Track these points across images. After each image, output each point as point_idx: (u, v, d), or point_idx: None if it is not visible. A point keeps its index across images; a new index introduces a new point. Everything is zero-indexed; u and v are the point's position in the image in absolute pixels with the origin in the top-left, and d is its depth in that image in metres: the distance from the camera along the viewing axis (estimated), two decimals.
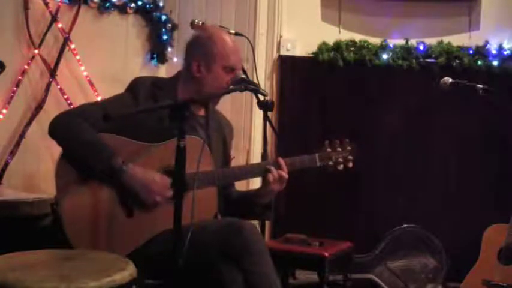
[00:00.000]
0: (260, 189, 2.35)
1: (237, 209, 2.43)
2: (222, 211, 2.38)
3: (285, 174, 2.28)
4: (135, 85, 2.33)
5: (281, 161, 2.30)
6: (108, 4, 3.64)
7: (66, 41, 3.43)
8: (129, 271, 1.81)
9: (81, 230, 2.10)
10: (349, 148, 2.42)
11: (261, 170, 2.30)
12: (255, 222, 3.26)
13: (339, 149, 2.39)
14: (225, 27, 2.83)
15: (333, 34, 4.16)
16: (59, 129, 2.19)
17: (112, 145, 2.15)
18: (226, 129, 2.52)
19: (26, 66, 3.29)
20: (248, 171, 2.35)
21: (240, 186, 2.60)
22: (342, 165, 2.40)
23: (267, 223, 3.70)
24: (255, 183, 3.50)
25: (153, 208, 2.14)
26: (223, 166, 2.43)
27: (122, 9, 3.75)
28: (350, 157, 2.41)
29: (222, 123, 2.51)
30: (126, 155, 2.15)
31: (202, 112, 2.42)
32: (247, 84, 2.26)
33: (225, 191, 2.43)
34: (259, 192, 2.36)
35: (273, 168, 2.27)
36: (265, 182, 2.29)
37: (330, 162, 2.39)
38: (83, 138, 2.14)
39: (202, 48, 2.34)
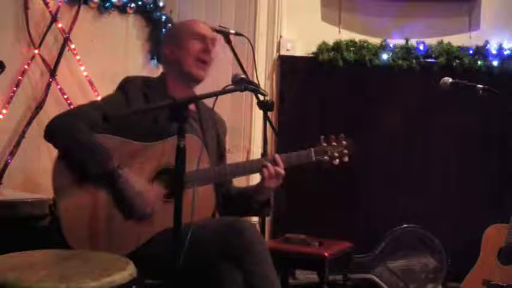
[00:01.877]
0: (258, 186, 2.36)
1: (236, 206, 2.43)
2: (220, 209, 2.38)
3: (281, 170, 2.28)
4: (125, 85, 2.33)
5: (277, 157, 2.30)
6: (108, 4, 3.64)
7: (66, 41, 3.43)
8: (129, 271, 1.81)
9: (80, 231, 2.09)
10: (344, 143, 2.41)
11: (257, 167, 2.29)
12: (255, 222, 3.26)
13: (334, 144, 2.39)
14: (225, 27, 2.83)
15: (333, 34, 4.16)
16: (55, 131, 2.18)
17: (108, 146, 2.14)
18: (219, 124, 2.53)
19: (26, 66, 3.29)
20: (245, 168, 2.35)
21: (238, 183, 2.59)
22: (337, 160, 2.39)
23: (267, 223, 3.70)
24: (256, 180, 3.51)
25: (137, 219, 2.13)
26: (218, 161, 2.43)
27: (122, 9, 3.75)
28: (346, 151, 2.40)
29: (214, 118, 2.51)
30: (123, 155, 2.14)
31: (193, 106, 2.43)
32: (247, 84, 2.26)
33: (223, 188, 2.43)
34: (257, 189, 2.36)
35: (269, 164, 2.27)
36: (263, 177, 2.29)
37: (326, 157, 2.38)
38: (79, 140, 2.13)
39: (169, 35, 2.44)
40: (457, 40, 4.05)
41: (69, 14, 3.45)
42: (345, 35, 4.15)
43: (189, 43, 2.35)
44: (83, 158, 2.10)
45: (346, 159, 2.41)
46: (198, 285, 2.11)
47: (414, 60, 4.02)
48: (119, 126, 2.18)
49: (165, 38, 2.47)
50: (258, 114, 3.79)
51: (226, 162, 2.50)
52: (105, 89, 3.37)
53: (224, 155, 2.54)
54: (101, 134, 2.16)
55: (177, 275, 1.81)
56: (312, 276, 3.67)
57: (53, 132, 2.18)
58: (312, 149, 2.37)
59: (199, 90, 2.39)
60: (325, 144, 2.39)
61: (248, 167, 2.35)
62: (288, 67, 4.18)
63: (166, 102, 1.92)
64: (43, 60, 3.35)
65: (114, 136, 2.18)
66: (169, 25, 3.94)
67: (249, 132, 4.03)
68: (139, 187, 2.12)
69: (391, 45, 4.07)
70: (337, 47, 4.09)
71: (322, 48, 4.10)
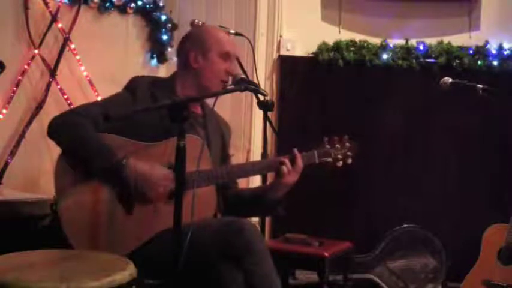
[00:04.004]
0: (273, 183, 2.35)
1: (250, 206, 2.44)
2: (224, 212, 2.38)
3: (300, 164, 2.29)
4: (133, 84, 2.33)
5: (296, 152, 2.31)
6: (108, 4, 3.64)
7: (66, 41, 3.43)
8: (129, 271, 1.81)
9: (81, 230, 2.09)
10: (348, 145, 2.40)
11: (275, 164, 2.29)
12: (255, 222, 3.26)
13: (337, 146, 2.39)
14: (225, 27, 2.83)
15: (333, 34, 4.16)
16: (58, 129, 2.18)
17: (111, 145, 2.14)
18: (224, 128, 2.53)
19: (26, 66, 3.29)
20: (262, 166, 2.34)
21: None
22: (340, 162, 2.39)
23: (267, 223, 3.70)
24: (255, 181, 3.51)
25: (155, 201, 2.13)
26: (222, 164, 2.43)
27: (122, 9, 3.75)
28: (349, 153, 2.39)
29: (219, 122, 2.51)
30: (126, 154, 2.14)
31: (199, 110, 2.43)
32: (247, 84, 2.26)
33: (230, 191, 2.43)
34: (272, 187, 2.35)
35: (286, 160, 2.28)
36: (279, 174, 2.29)
37: (329, 159, 2.38)
38: (82, 137, 2.14)
39: (196, 39, 2.39)
40: (457, 40, 4.05)
41: (69, 14, 3.45)
42: (345, 35, 4.15)
43: (216, 60, 2.34)
44: (87, 155, 2.11)
45: (349, 161, 2.40)
46: (198, 285, 2.11)
47: (414, 60, 4.02)
48: (123, 125, 2.18)
49: (190, 41, 2.39)
50: (258, 114, 3.79)
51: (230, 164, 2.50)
52: (105, 89, 3.38)
53: (228, 159, 2.54)
54: (104, 134, 2.17)
55: (177, 275, 1.81)
56: (312, 276, 3.66)
57: (56, 131, 2.18)
58: (315, 151, 2.37)
59: None
60: (328, 146, 2.39)
61: (265, 165, 2.34)
62: (288, 67, 4.19)
63: (166, 102, 1.92)
64: (43, 60, 3.36)
65: (117, 136, 2.18)
66: (171, 24, 3.95)
67: (249, 132, 4.03)
68: (148, 170, 2.11)
69: (391, 45, 4.07)
70: (337, 47, 4.09)
71: (322, 48, 4.10)
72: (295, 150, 2.31)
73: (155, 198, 2.13)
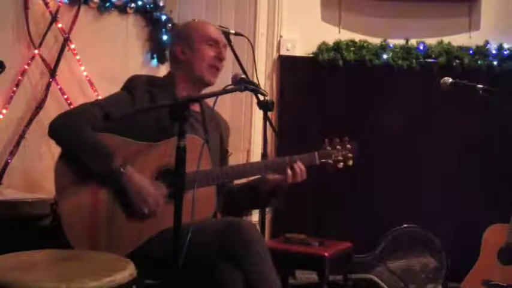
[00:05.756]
0: (271, 178, 2.34)
1: (242, 199, 2.44)
2: (225, 208, 2.39)
3: (303, 168, 2.30)
4: (131, 83, 2.34)
5: (297, 158, 2.31)
6: (108, 4, 3.64)
7: (66, 41, 3.42)
8: (129, 271, 1.81)
9: (81, 230, 2.10)
10: (349, 146, 2.40)
11: (282, 165, 2.29)
12: (255, 222, 3.26)
13: (338, 147, 2.39)
14: (225, 27, 2.83)
15: (333, 34, 4.16)
16: (58, 130, 2.19)
17: (111, 145, 2.15)
18: (222, 125, 2.53)
19: (26, 66, 3.29)
20: (267, 167, 2.32)
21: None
22: (341, 163, 2.39)
23: (267, 223, 3.69)
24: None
25: (140, 217, 2.14)
26: (221, 162, 2.43)
27: (122, 9, 3.74)
28: (350, 155, 2.39)
29: (217, 119, 2.52)
30: (126, 155, 2.15)
31: (197, 108, 2.43)
32: (247, 84, 2.26)
33: (225, 189, 2.44)
34: (268, 180, 2.34)
35: (294, 164, 2.28)
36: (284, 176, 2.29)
37: (330, 161, 2.38)
38: (82, 139, 2.14)
39: (180, 35, 2.44)
40: (457, 40, 4.05)
41: (69, 14, 3.45)
42: (345, 35, 4.15)
43: (202, 47, 2.37)
44: (86, 157, 2.11)
45: (350, 162, 2.40)
46: (198, 285, 2.11)
47: (414, 60, 4.03)
48: (122, 125, 2.18)
49: (175, 37, 2.46)
50: (258, 114, 3.79)
51: (228, 164, 2.50)
52: (105, 89, 3.38)
53: (227, 157, 2.54)
54: (104, 133, 2.17)
55: (177, 275, 1.81)
56: (312, 276, 3.67)
57: (57, 131, 2.19)
58: (316, 153, 2.37)
59: None
60: (329, 147, 2.39)
61: (271, 166, 2.32)
62: (288, 67, 4.18)
63: (167, 101, 1.93)
64: (43, 60, 3.35)
65: (117, 136, 2.18)
66: (171, 24, 3.95)
67: (249, 132, 4.03)
68: (143, 186, 2.12)
69: (391, 45, 4.07)
70: (337, 47, 4.09)
71: (322, 48, 4.10)
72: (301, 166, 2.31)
73: (140, 215, 2.14)
